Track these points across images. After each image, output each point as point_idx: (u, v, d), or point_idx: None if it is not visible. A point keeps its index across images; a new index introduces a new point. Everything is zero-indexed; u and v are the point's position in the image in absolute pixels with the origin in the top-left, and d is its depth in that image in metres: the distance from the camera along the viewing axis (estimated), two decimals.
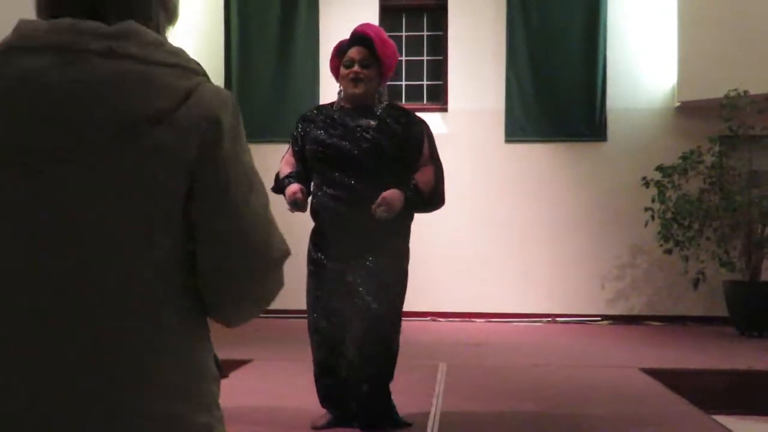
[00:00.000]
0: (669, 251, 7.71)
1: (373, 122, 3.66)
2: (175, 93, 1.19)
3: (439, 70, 8.94)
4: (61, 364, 1.15)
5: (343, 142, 3.64)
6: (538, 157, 8.57)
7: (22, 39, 1.20)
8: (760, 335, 7.22)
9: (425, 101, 8.91)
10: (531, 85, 8.54)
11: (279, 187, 3.73)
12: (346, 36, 3.85)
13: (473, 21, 8.71)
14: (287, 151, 3.92)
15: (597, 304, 8.44)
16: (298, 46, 8.64)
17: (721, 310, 7.74)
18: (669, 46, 8.39)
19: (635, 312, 8.41)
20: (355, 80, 3.68)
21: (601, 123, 8.49)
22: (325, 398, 3.81)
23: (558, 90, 8.49)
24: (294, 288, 7.15)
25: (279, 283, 1.31)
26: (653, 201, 7.71)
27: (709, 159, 7.75)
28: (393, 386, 3.82)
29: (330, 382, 3.75)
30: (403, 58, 8.90)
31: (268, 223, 1.28)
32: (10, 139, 1.17)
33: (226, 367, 1.47)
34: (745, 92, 7.37)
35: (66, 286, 1.16)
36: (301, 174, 3.75)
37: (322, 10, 8.66)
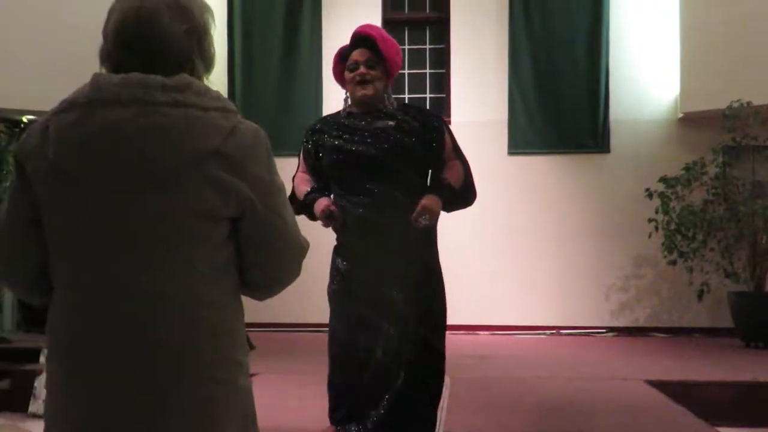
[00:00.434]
0: (673, 262, 7.69)
1: (391, 122, 3.50)
2: (222, 131, 1.53)
3: (442, 82, 8.95)
4: (144, 341, 1.49)
5: (363, 147, 3.44)
6: (541, 168, 8.57)
7: (101, 92, 1.52)
8: (765, 346, 7.19)
9: None
10: (534, 97, 8.56)
11: (302, 205, 3.54)
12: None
13: (476, 34, 8.73)
14: (298, 169, 3.70)
15: (601, 315, 8.42)
16: (301, 60, 8.67)
17: (727, 322, 7.72)
18: (671, 57, 8.40)
19: (640, 324, 8.39)
20: (362, 82, 3.51)
21: (605, 134, 8.50)
22: (340, 417, 3.53)
23: (561, 102, 8.51)
24: (296, 303, 7.11)
25: (300, 267, 1.71)
26: (657, 212, 7.70)
27: (712, 170, 7.75)
28: None
29: (350, 399, 3.48)
30: (406, 71, 8.92)
31: (294, 222, 1.68)
32: (97, 176, 1.49)
33: None
34: (748, 103, 7.36)
35: (139, 284, 1.50)
36: (321, 188, 3.55)
37: (325, 23, 8.70)
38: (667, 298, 8.37)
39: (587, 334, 8.27)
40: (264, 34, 8.75)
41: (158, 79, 1.52)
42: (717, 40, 7.94)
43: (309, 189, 3.53)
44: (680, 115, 8.35)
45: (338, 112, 3.67)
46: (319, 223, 3.51)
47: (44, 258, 1.58)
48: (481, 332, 8.31)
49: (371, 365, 3.43)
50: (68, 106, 1.55)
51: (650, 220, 7.71)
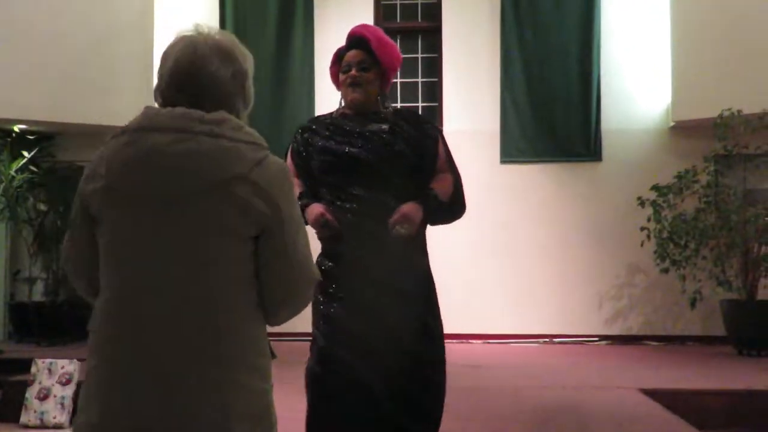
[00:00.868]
0: (666, 271, 7.70)
1: (384, 126, 3.31)
2: (250, 161, 1.76)
3: (435, 91, 8.97)
4: (172, 340, 1.71)
5: (354, 149, 3.24)
6: (533, 177, 8.58)
7: (148, 121, 1.79)
8: (758, 354, 7.20)
9: None
10: (526, 105, 8.58)
11: None
12: None
13: (468, 43, 8.76)
14: None
15: (594, 324, 8.42)
16: (294, 68, 8.67)
17: (719, 330, 7.73)
18: (663, 66, 8.43)
19: (633, 332, 8.39)
20: (354, 84, 3.34)
21: (597, 143, 8.52)
22: None
23: (553, 110, 8.53)
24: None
25: (311, 296, 1.91)
26: (649, 220, 7.72)
27: (704, 178, 7.77)
28: None
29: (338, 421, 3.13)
30: (399, 80, 8.94)
31: (308, 253, 1.87)
32: (138, 191, 1.74)
33: None
34: (739, 111, 7.39)
35: (172, 291, 1.72)
36: (310, 193, 3.32)
37: (318, 31, 8.71)
38: (660, 307, 8.38)
39: (581, 343, 8.28)
40: (256, 41, 8.74)
41: (198, 113, 1.78)
42: (708, 49, 7.98)
43: (299, 193, 3.24)
44: (672, 124, 8.38)
45: (331, 113, 3.49)
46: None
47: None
48: (475, 341, 8.31)
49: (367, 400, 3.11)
50: (121, 132, 1.81)
51: (642, 229, 7.72)
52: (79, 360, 5.74)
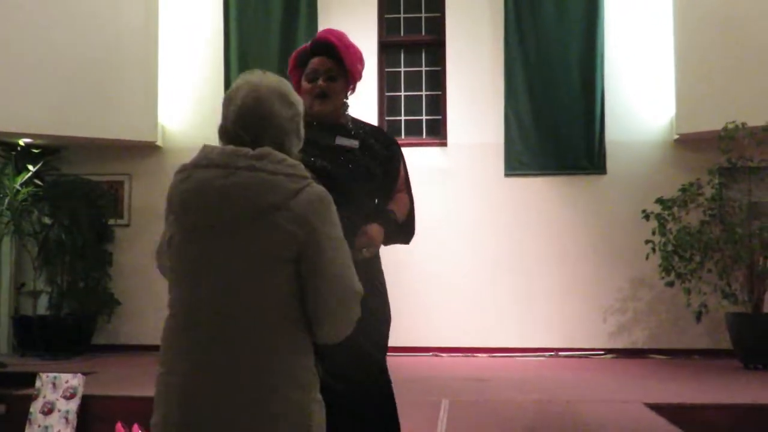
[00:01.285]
0: (671, 284, 7.68)
1: (355, 142, 3.20)
2: (287, 192, 1.97)
3: (438, 104, 8.98)
4: (217, 353, 1.95)
5: (325, 163, 3.09)
6: (538, 190, 8.58)
7: (204, 159, 2.05)
8: (764, 367, 7.17)
9: (424, 136, 8.94)
10: (530, 118, 8.58)
11: None
12: None
13: (471, 56, 8.77)
14: None
15: (599, 337, 8.40)
16: None
17: (725, 343, 7.70)
18: (666, 78, 8.43)
19: (638, 345, 8.36)
20: (322, 96, 3.21)
21: (601, 156, 8.51)
22: None
23: (557, 123, 8.53)
24: None
25: (357, 313, 2.05)
26: (653, 233, 7.70)
27: (708, 191, 7.76)
28: None
29: None
30: (402, 93, 8.96)
31: (350, 271, 2.04)
32: (192, 219, 2.01)
33: None
34: (743, 124, 7.38)
35: (220, 307, 1.96)
36: None
37: None
38: (666, 320, 8.35)
39: (586, 356, 8.24)
40: (258, 58, 8.77)
41: (244, 150, 2.02)
42: (712, 61, 7.98)
43: None
44: (676, 137, 8.37)
45: None
46: None
47: None
48: (480, 354, 8.28)
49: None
50: (183, 168, 2.09)
51: (647, 242, 7.70)
52: (83, 374, 5.74)
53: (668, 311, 8.30)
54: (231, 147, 2.05)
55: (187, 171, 2.08)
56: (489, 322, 8.40)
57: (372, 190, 3.26)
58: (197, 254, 2.02)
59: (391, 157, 3.31)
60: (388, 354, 3.30)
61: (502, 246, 8.52)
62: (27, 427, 5.50)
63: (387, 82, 9.03)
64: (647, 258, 7.80)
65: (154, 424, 2.05)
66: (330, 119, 3.25)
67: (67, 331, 8.17)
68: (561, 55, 8.56)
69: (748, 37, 7.84)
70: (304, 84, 3.28)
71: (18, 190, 8.15)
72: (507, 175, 8.62)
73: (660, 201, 7.77)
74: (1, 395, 5.88)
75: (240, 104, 2.09)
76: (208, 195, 2.00)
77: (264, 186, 1.98)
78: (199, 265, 2.01)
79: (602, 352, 8.33)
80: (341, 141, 3.20)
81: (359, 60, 3.29)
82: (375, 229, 3.12)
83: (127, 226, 8.94)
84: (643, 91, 8.58)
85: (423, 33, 9.16)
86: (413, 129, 8.98)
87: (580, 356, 8.24)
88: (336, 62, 3.23)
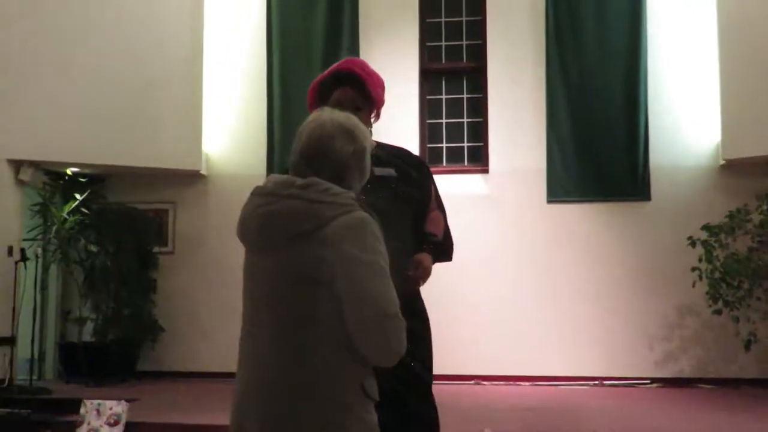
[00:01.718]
0: (718, 312, 7.55)
1: (391, 170, 3.18)
2: (323, 219, 2.07)
3: (480, 131, 8.97)
4: (268, 369, 2.09)
5: (371, 196, 2.99)
6: (581, 217, 8.51)
7: (260, 187, 2.21)
8: None
9: (466, 163, 8.93)
10: (572, 144, 8.52)
11: None
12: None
13: (512, 82, 8.76)
14: None
15: (645, 366, 8.26)
16: None
17: None
18: (711, 103, 8.33)
19: (685, 374, 8.20)
20: None
21: (645, 182, 8.41)
22: None
23: (600, 149, 8.46)
24: None
25: (396, 335, 2.06)
26: (700, 260, 7.58)
27: (756, 217, 7.63)
28: None
29: None
30: (444, 120, 8.97)
31: (383, 295, 2.07)
32: (246, 241, 2.20)
33: None
34: None
35: (263, 323, 2.11)
36: None
37: None
38: (713, 348, 8.19)
39: (631, 385, 8.11)
40: (301, 74, 8.83)
41: (293, 179, 2.16)
42: (757, 85, 7.87)
43: None
44: (722, 162, 8.25)
45: None
46: None
47: None
48: (523, 383, 8.20)
49: None
50: (249, 194, 2.25)
51: (694, 269, 7.58)
52: (127, 401, 5.78)
53: (716, 340, 8.14)
54: (286, 177, 2.20)
55: (249, 197, 2.25)
56: (532, 350, 8.32)
57: (412, 215, 3.27)
58: (251, 273, 2.19)
59: (423, 177, 3.32)
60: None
61: (545, 273, 8.44)
62: None
63: (428, 109, 9.06)
64: (694, 285, 7.68)
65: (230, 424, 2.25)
66: None
67: (112, 357, 8.25)
68: (603, 80, 8.52)
69: None
70: None
71: (65, 219, 8.29)
72: (549, 201, 8.56)
73: (706, 227, 7.66)
74: (47, 421, 5.95)
75: (305, 139, 2.23)
76: (253, 220, 2.17)
77: (301, 213, 2.09)
78: (252, 284, 2.19)
79: (648, 381, 8.19)
80: (380, 171, 3.13)
81: (381, 86, 3.27)
82: (427, 259, 3.17)
83: (172, 253, 9.03)
84: (687, 116, 8.48)
85: (464, 60, 9.18)
86: (455, 156, 8.98)
87: (625, 385, 8.10)
88: (359, 92, 3.18)
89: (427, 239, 3.25)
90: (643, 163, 8.41)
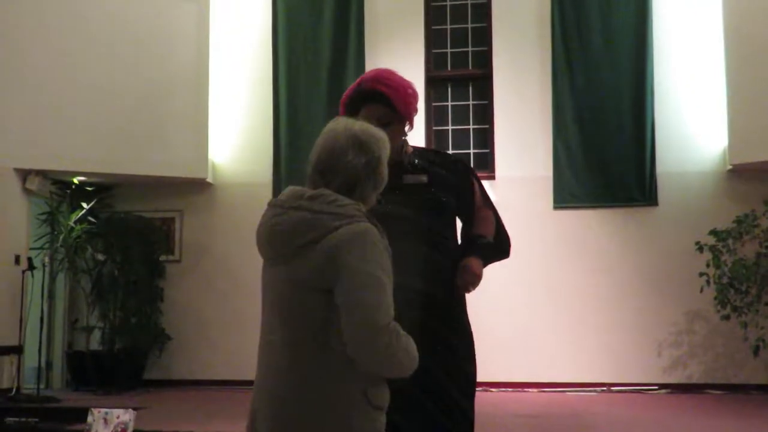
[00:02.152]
0: (727, 317, 7.52)
1: (423, 177, 3.12)
2: (325, 229, 2.13)
3: (486, 138, 8.97)
4: (277, 377, 2.17)
5: (398, 206, 2.99)
6: (588, 223, 8.49)
7: (276, 200, 2.27)
8: None
9: None
10: (579, 150, 8.51)
11: None
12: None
13: (519, 89, 8.76)
14: None
15: (653, 372, 8.23)
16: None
17: None
18: (718, 108, 8.32)
19: (693, 380, 8.17)
20: None
21: (652, 187, 8.39)
22: None
23: (606, 155, 8.44)
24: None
25: (382, 344, 2.07)
26: (708, 266, 7.56)
27: (764, 222, 7.61)
28: None
29: None
30: (450, 127, 8.97)
31: (374, 306, 2.08)
32: (261, 251, 2.27)
33: None
34: None
35: (271, 328, 2.20)
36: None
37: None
38: (722, 354, 8.15)
39: (639, 391, 8.08)
40: (309, 82, 8.86)
41: (301, 191, 2.23)
42: (764, 90, 7.85)
43: None
44: (729, 167, 8.22)
45: None
46: None
47: None
48: (530, 389, 8.17)
49: None
50: (266, 207, 2.32)
51: (701, 274, 7.56)
52: (134, 409, 5.78)
53: (724, 345, 8.11)
54: (298, 188, 2.26)
55: (265, 209, 2.33)
56: (540, 357, 8.30)
57: (450, 220, 3.19)
58: (265, 283, 2.29)
59: (460, 179, 3.22)
60: None
61: (553, 279, 8.43)
62: None
63: (434, 115, 9.06)
64: (701, 291, 7.66)
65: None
66: (391, 161, 3.20)
67: (119, 366, 8.26)
68: (610, 86, 8.50)
69: None
70: None
71: (72, 227, 8.31)
72: (556, 207, 8.55)
73: (714, 233, 7.64)
74: (54, 430, 5.95)
75: (319, 150, 2.29)
76: (264, 232, 2.25)
77: (305, 224, 2.15)
78: (266, 294, 2.27)
79: (656, 387, 8.16)
80: (409, 179, 3.13)
81: (412, 97, 3.19)
82: (475, 263, 3.06)
83: (179, 261, 9.04)
84: (694, 122, 8.47)
85: (470, 67, 9.18)
86: None
87: (633, 391, 8.08)
88: (387, 107, 3.11)
89: (474, 242, 3.17)
90: (650, 168, 8.39)
